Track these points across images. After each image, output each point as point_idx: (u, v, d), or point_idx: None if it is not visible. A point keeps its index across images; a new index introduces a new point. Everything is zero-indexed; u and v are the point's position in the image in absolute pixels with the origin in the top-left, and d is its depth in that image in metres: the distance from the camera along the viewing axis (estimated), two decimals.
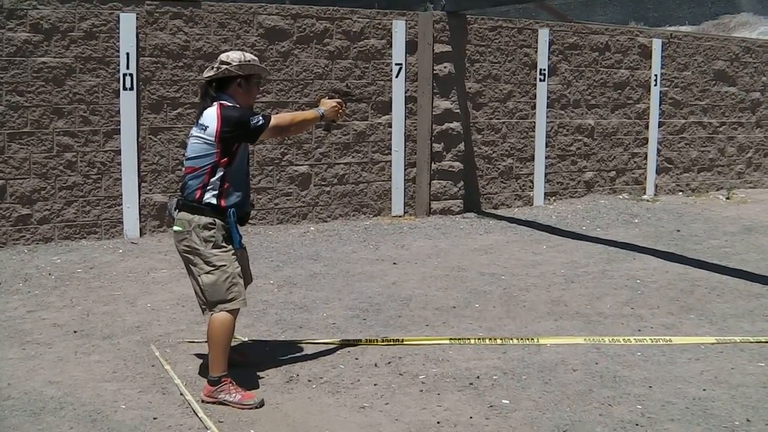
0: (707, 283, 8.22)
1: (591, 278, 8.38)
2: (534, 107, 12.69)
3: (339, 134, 10.93)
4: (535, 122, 12.72)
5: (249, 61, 5.27)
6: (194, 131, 5.18)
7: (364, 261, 8.97)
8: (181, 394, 5.13)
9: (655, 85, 13.97)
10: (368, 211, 11.42)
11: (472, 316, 7.04)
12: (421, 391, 5.31)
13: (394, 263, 8.89)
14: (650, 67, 13.91)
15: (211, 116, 5.08)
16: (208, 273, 5.09)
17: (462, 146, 11.83)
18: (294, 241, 9.89)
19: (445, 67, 11.51)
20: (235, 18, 10.20)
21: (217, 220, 5.10)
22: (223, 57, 5.27)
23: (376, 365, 5.74)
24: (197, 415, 4.78)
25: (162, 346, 6.05)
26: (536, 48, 12.59)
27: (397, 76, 11.38)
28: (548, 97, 12.79)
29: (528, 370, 5.69)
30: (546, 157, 12.90)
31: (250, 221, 10.16)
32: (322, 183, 11.01)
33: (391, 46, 11.34)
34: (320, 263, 8.78)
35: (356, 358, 5.87)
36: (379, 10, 11.39)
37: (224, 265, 5.08)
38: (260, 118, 5.13)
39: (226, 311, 5.10)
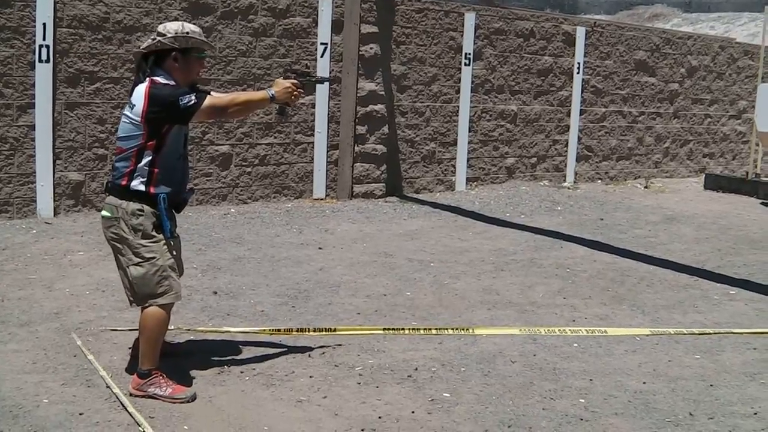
0: (636, 273, 8.22)
1: (520, 266, 8.30)
2: (458, 91, 12.58)
3: (261, 114, 10.66)
4: (458, 106, 12.62)
5: (187, 32, 4.79)
6: (126, 109, 4.78)
7: (289, 245, 8.74)
8: (108, 386, 4.83)
9: (578, 72, 13.99)
10: (289, 193, 11.18)
11: (404, 304, 6.87)
12: (359, 383, 5.12)
13: (320, 248, 8.69)
14: (573, 55, 13.93)
15: (139, 94, 4.67)
16: (136, 265, 4.71)
17: (386, 129, 11.67)
18: (215, 223, 9.61)
19: (371, 48, 11.31)
20: None
21: (146, 206, 4.70)
22: (160, 27, 4.83)
23: (309, 356, 5.54)
24: (126, 410, 4.50)
25: (84, 335, 5.73)
26: (462, 32, 12.47)
27: (322, 56, 11.15)
28: (472, 82, 12.70)
29: (466, 362, 5.56)
30: (469, 142, 12.81)
31: None
32: (243, 163, 10.73)
33: (317, 24, 11.10)
34: (244, 247, 8.53)
35: (289, 349, 5.65)
36: None
37: (154, 257, 4.71)
38: (192, 97, 4.65)
39: (158, 305, 4.76)
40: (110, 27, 9.59)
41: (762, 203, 13.37)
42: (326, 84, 10.94)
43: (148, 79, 4.73)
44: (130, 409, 4.51)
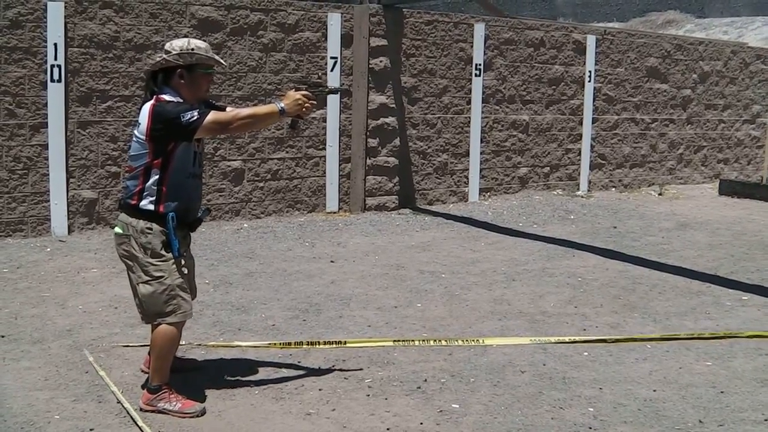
0: (648, 281, 8.20)
1: (532, 276, 8.30)
2: (469, 102, 12.60)
3: (273, 129, 10.72)
4: (470, 117, 12.64)
5: (192, 49, 4.76)
6: (134, 128, 4.81)
7: (301, 259, 8.77)
8: (118, 402, 4.88)
9: (589, 81, 13.99)
10: (302, 207, 11.23)
11: (414, 315, 6.89)
12: (368, 395, 5.15)
13: (332, 261, 8.72)
14: (584, 63, 13.93)
15: (144, 113, 4.68)
16: (145, 283, 4.74)
17: (397, 141, 11.69)
18: (228, 238, 9.66)
19: (380, 61, 11.36)
20: (167, 8, 9.90)
21: (155, 225, 4.71)
22: (166, 45, 4.81)
23: (319, 369, 5.57)
24: (137, 425, 4.55)
25: (95, 351, 5.79)
26: (472, 43, 12.50)
27: (332, 70, 11.20)
28: (483, 93, 12.72)
29: (476, 372, 5.57)
30: (481, 153, 12.82)
31: None
32: (256, 178, 10.78)
33: (326, 39, 11.15)
34: (256, 261, 8.57)
35: (299, 362, 5.69)
36: (315, 2, 11.20)
37: (162, 276, 4.72)
38: (194, 113, 4.61)
39: (167, 324, 4.78)
40: (120, 46, 9.67)
41: None
42: (338, 95, 11.00)
43: (154, 97, 4.75)
44: (140, 423, 4.55)
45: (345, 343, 6.04)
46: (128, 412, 4.72)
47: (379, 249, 9.37)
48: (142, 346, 5.80)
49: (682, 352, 6.11)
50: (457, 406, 5.02)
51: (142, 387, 5.05)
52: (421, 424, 4.74)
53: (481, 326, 6.65)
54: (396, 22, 11.65)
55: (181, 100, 4.76)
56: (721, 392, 5.35)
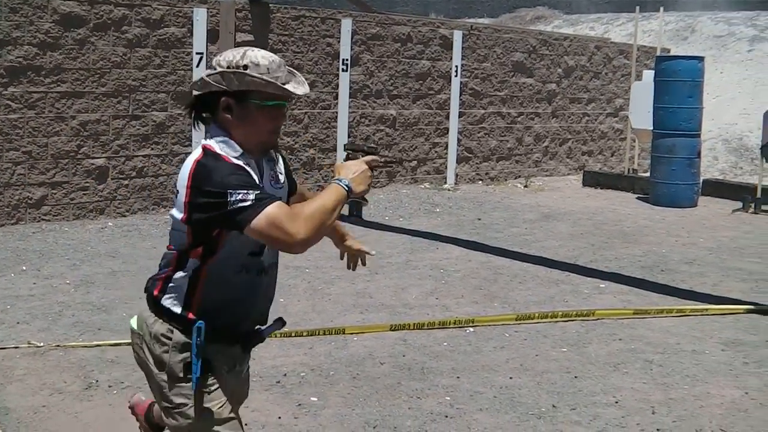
0: (509, 271, 8.39)
1: (395, 269, 8.39)
2: (336, 97, 12.64)
3: (138, 125, 10.57)
4: (337, 112, 12.68)
5: (245, 66, 2.89)
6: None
7: None
8: None
9: (456, 76, 14.17)
10: (168, 205, 11.09)
11: (277, 311, 6.82)
12: None
13: None
14: (451, 59, 14.11)
15: (184, 173, 2.93)
16: (166, 412, 3.07)
17: None
18: (91, 237, 9.48)
19: None
20: (27, 3, 9.63)
21: (176, 332, 3.01)
22: (217, 57, 3.02)
23: None
24: None
25: None
26: (339, 38, 12.55)
27: (198, 66, 11.09)
28: (351, 88, 12.77)
29: (335, 366, 5.63)
30: None
31: (43, 218, 9.67)
32: (120, 176, 10.61)
33: (192, 34, 11.04)
34: (119, 260, 8.44)
35: None
36: None
37: (184, 404, 2.99)
38: (249, 194, 2.76)
39: None
40: None
41: (638, 198, 13.72)
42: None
43: (201, 145, 3.04)
44: None
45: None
46: None
47: None
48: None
49: (540, 340, 6.28)
50: (316, 399, 5.07)
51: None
52: (279, 418, 4.78)
53: (343, 320, 6.71)
54: (262, 17, 11.62)
55: (237, 148, 2.98)
56: (575, 377, 5.54)
